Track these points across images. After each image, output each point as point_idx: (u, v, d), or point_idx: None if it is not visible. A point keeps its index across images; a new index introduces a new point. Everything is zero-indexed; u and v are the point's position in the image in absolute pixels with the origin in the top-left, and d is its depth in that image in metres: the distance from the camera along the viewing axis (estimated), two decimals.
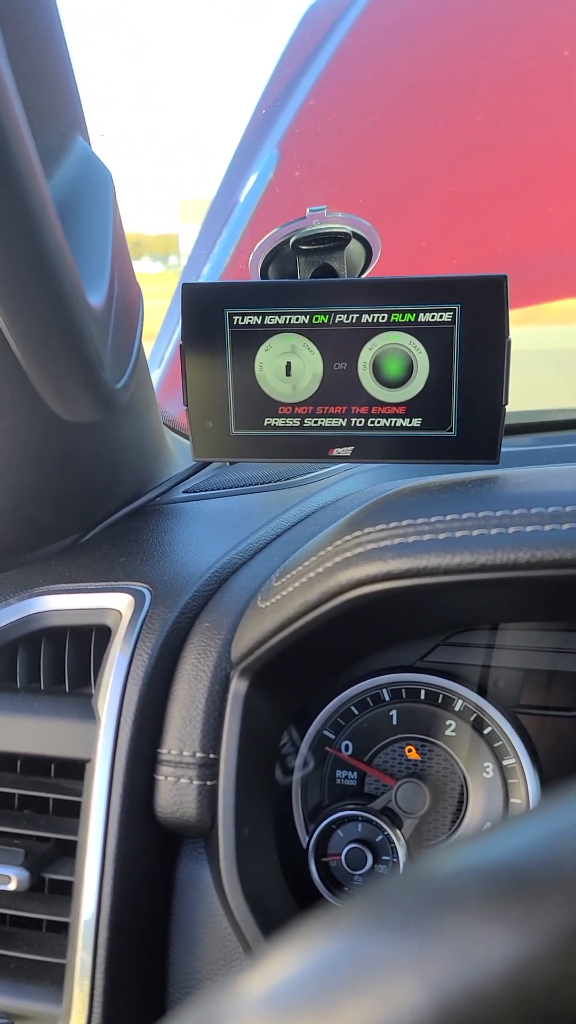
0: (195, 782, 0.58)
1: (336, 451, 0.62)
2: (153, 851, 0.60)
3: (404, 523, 0.49)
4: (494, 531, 0.46)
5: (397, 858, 0.62)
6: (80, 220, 0.47)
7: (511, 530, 0.45)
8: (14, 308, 0.40)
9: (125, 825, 0.58)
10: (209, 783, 0.58)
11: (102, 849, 0.58)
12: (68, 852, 0.61)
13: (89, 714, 0.61)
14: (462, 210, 1.21)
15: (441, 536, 0.47)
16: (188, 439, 0.94)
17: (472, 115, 1.25)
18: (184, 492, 0.83)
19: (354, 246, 0.65)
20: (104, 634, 0.64)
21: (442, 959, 0.19)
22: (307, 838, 0.64)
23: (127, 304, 0.54)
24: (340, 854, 0.63)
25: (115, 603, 0.65)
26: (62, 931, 0.60)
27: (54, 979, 0.59)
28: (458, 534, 0.47)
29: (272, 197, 1.28)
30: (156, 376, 1.34)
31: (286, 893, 0.61)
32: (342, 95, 1.37)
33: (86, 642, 0.65)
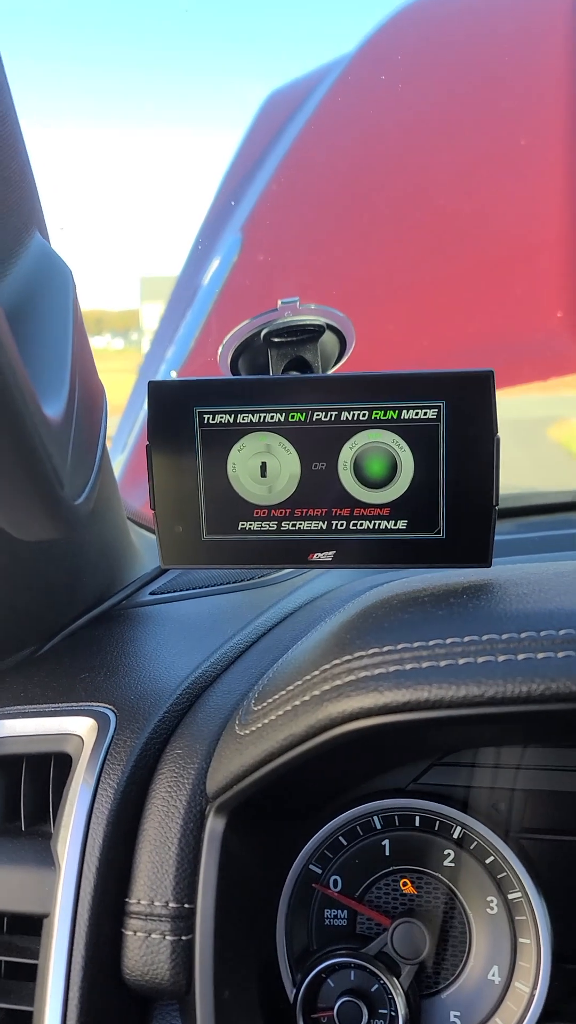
0: (168, 938, 0.52)
1: (316, 556, 0.57)
2: (120, 1018, 0.53)
3: (399, 647, 0.44)
4: (501, 658, 0.41)
5: (395, 1011, 0.55)
6: (36, 324, 0.43)
7: (520, 657, 0.41)
8: None
9: (88, 991, 0.51)
10: (184, 938, 0.52)
11: (61, 1021, 0.50)
12: None
13: (47, 860, 0.54)
14: (431, 293, 1.20)
15: (442, 664, 0.42)
16: (154, 533, 0.88)
17: (436, 200, 1.25)
18: (151, 594, 0.77)
19: (328, 338, 0.61)
20: (64, 762, 0.58)
21: None
22: (294, 990, 0.57)
23: (89, 407, 0.49)
24: (332, 1009, 0.56)
25: (76, 727, 0.59)
26: None
27: None
28: (461, 661, 0.42)
29: (236, 281, 1.27)
30: (120, 463, 1.29)
31: None
32: (304, 182, 1.38)
33: (44, 772, 0.59)
